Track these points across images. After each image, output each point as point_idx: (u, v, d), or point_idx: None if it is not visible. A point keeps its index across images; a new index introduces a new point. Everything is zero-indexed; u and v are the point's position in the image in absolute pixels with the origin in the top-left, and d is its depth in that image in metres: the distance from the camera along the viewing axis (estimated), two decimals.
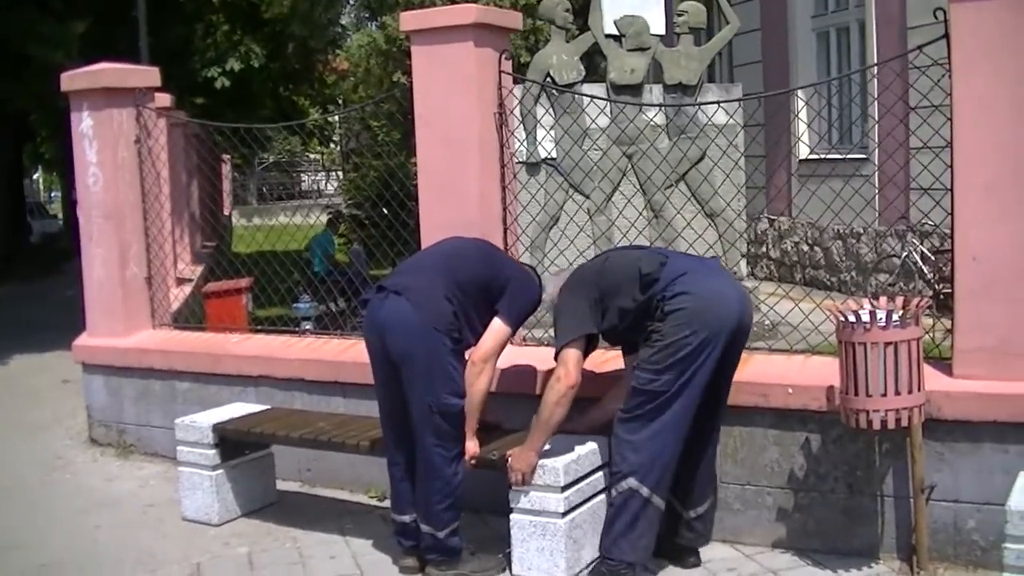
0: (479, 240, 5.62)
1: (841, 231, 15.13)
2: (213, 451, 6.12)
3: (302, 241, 14.85)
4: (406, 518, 5.32)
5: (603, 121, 10.61)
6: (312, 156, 39.81)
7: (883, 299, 5.12)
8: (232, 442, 6.17)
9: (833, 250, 15.62)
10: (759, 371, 5.51)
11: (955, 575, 5.12)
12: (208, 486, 6.12)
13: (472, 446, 5.25)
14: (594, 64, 14.89)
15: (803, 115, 15.45)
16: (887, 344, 4.87)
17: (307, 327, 10.43)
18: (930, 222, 12.90)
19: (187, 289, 10.02)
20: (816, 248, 16.04)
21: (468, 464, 5.26)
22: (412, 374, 5.03)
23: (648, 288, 4.94)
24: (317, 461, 6.69)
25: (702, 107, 10.78)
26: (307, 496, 6.73)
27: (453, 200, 6.27)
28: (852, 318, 4.94)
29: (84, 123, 7.62)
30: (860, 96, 15.02)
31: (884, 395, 4.88)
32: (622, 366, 5.44)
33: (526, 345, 6.36)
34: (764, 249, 17.52)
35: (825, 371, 5.50)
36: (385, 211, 8.78)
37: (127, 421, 7.72)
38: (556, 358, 5.11)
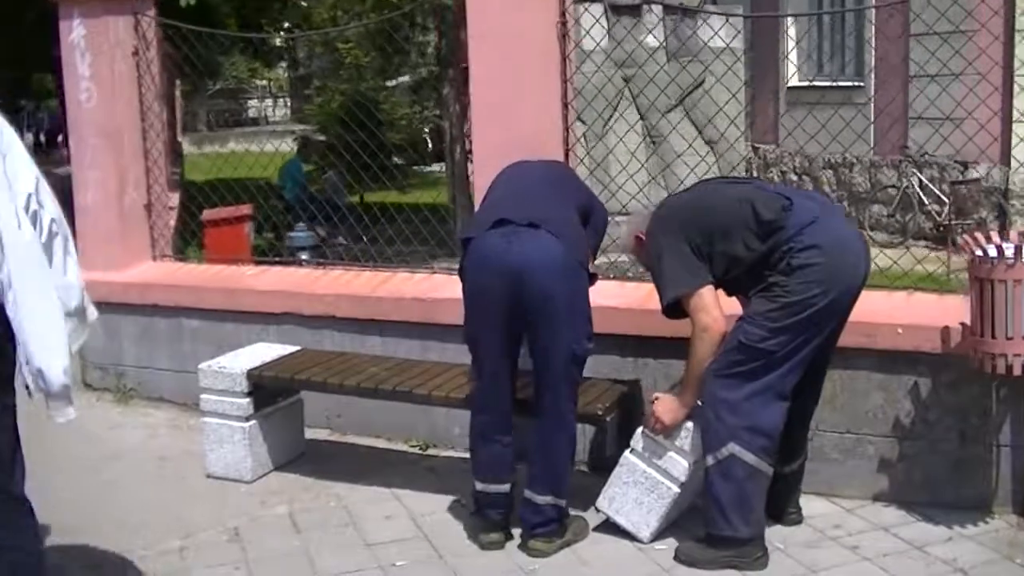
0: (561, 162, 5.03)
1: (833, 160, 14.68)
2: (246, 400, 5.48)
3: (268, 169, 14.15)
4: (506, 487, 4.70)
5: (603, 42, 9.97)
6: (260, 83, 38.86)
7: (1014, 233, 4.61)
8: (266, 389, 5.56)
9: (824, 180, 15.19)
10: (864, 309, 4.95)
11: None
12: (240, 439, 5.49)
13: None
14: None
15: (794, 41, 14.97)
16: None
17: (303, 258, 9.82)
18: (930, 153, 12.60)
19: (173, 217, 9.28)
20: (805, 178, 15.60)
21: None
22: (554, 318, 4.39)
23: (770, 236, 4.31)
24: (349, 407, 6.07)
25: (697, 32, 10.34)
26: (339, 445, 6.13)
27: (510, 120, 5.65)
28: (992, 252, 4.42)
29: (76, 32, 6.84)
30: (856, 23, 14.55)
31: None
32: None
33: None
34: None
35: (934, 309, 5.07)
36: (372, 139, 8.24)
37: (127, 363, 7.02)
38: (668, 311, 4.56)
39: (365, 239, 7.90)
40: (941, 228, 12.94)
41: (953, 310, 4.96)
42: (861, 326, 4.83)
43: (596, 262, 5.04)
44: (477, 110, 5.79)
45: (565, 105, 5.71)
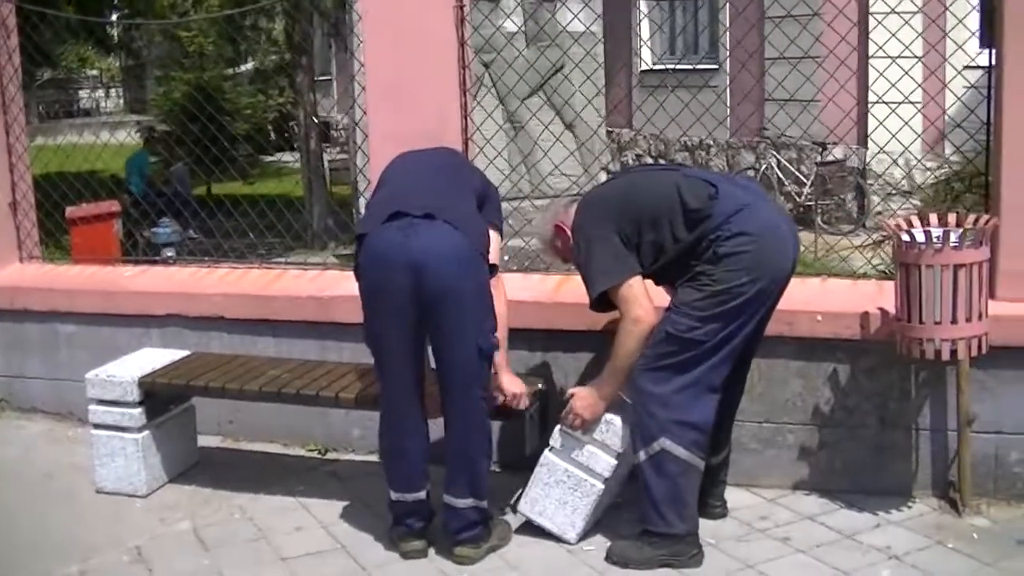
0: (453, 149, 4.86)
1: (689, 143, 14.79)
2: (138, 410, 5.14)
3: (110, 162, 13.55)
4: (422, 494, 4.49)
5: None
6: (91, 72, 37.60)
7: (932, 216, 4.59)
8: (158, 397, 5.23)
9: (679, 163, 15.29)
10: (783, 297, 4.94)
11: (999, 512, 4.73)
12: (132, 451, 5.15)
13: (517, 384, 4.55)
14: None
15: (646, 25, 15.02)
16: (959, 267, 4.35)
17: (168, 255, 9.41)
18: (787, 135, 12.78)
19: None
20: (661, 161, 15.68)
21: (514, 402, 4.55)
22: (458, 312, 4.18)
23: (697, 225, 4.19)
24: (240, 412, 5.79)
25: (556, 16, 10.29)
26: (234, 453, 5.83)
27: (407, 107, 5.42)
28: (920, 237, 4.38)
29: None
30: (711, 5, 14.65)
31: (954, 322, 4.38)
32: None
33: None
34: (605, 163, 17.02)
35: (850, 296, 5.05)
36: (218, 129, 7.90)
37: None
38: (595, 305, 4.40)
39: (218, 235, 7.58)
40: (802, 209, 13.14)
41: (869, 296, 4.96)
42: (780, 314, 4.72)
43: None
44: (372, 97, 5.53)
45: (464, 92, 5.51)
